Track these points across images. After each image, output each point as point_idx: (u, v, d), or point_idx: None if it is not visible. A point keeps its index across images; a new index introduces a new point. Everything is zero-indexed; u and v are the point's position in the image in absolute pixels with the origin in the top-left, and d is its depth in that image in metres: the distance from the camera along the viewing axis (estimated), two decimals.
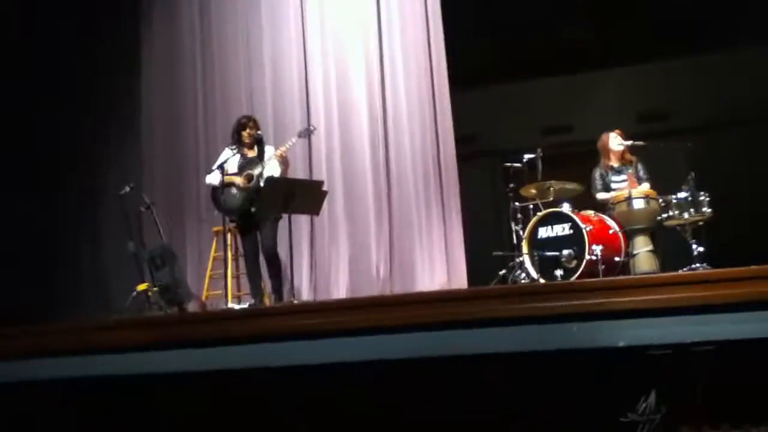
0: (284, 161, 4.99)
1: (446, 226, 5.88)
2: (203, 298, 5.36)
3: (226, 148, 5.05)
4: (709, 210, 4.71)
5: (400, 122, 6.04)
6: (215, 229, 5.40)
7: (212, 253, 5.49)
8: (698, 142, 5.23)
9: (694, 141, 5.14)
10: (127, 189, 5.19)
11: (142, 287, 4.90)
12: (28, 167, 6.62)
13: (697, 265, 4.56)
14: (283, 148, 4.94)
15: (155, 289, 4.87)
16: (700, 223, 4.75)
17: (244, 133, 5.00)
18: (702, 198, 4.73)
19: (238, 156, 4.97)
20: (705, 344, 2.76)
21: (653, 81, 7.98)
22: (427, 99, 6.04)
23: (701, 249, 4.64)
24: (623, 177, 5.36)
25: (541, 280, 4.91)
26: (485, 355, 3.10)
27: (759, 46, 5.92)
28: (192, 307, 5.18)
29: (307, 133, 5.29)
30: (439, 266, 5.79)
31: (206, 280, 5.48)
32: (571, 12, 7.45)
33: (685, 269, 4.55)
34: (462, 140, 6.56)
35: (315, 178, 5.80)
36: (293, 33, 6.22)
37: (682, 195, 4.76)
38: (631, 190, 5.08)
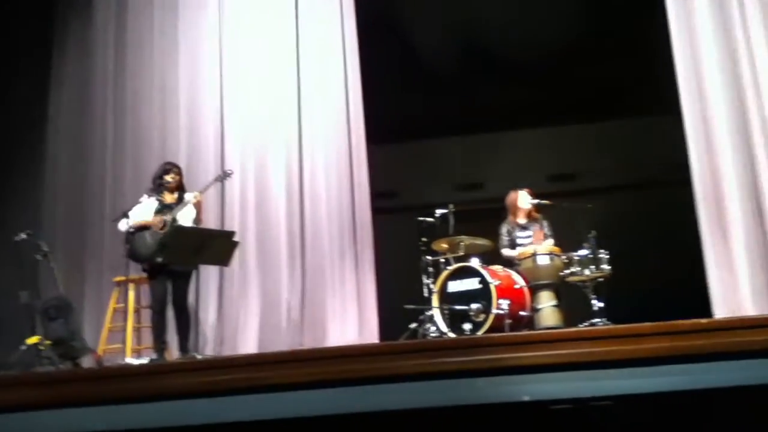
0: (198, 206, 4.88)
1: (359, 280, 5.88)
2: (99, 352, 5.08)
3: (145, 195, 4.91)
4: (609, 267, 4.95)
5: (317, 174, 6.06)
6: (116, 279, 5.17)
7: (112, 305, 5.22)
8: (601, 202, 5.51)
9: (598, 201, 5.40)
10: (23, 236, 4.90)
11: (32, 340, 4.58)
12: None
13: (597, 320, 4.75)
14: (198, 194, 4.84)
15: (47, 342, 4.57)
16: (600, 279, 4.97)
17: (167, 177, 4.89)
18: (602, 256, 4.96)
19: (156, 202, 4.83)
20: (602, 399, 2.84)
21: (563, 143, 8.43)
22: (345, 153, 6.10)
23: (601, 305, 4.84)
24: (529, 233, 5.55)
25: (450, 334, 4.96)
26: (393, 412, 3.07)
27: (660, 115, 6.40)
28: (87, 362, 4.89)
29: (224, 177, 5.21)
30: (351, 320, 5.76)
31: (104, 333, 5.20)
32: (487, 74, 7.81)
33: (585, 324, 4.72)
34: (383, 195, 6.66)
35: (227, 227, 5.69)
36: (210, 80, 6.18)
37: (583, 252, 4.98)
38: (536, 247, 5.26)
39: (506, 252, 5.55)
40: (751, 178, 5.45)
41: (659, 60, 5.89)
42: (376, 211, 6.21)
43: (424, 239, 5.51)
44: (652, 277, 6.84)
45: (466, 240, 5.37)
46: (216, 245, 4.61)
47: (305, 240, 5.97)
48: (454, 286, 5.13)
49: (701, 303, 5.32)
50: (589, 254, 4.96)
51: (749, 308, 5.17)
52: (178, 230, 4.56)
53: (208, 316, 5.67)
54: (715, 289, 5.33)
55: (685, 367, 2.85)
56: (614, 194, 7.75)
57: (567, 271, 5.02)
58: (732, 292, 5.28)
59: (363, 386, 3.12)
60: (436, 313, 5.11)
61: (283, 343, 5.57)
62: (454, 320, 5.01)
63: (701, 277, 5.41)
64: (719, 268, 5.36)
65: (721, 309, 5.22)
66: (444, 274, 5.21)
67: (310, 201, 6.03)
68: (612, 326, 4.38)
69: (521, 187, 5.74)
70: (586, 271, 4.94)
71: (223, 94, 6.18)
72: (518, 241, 5.56)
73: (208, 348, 5.52)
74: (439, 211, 5.55)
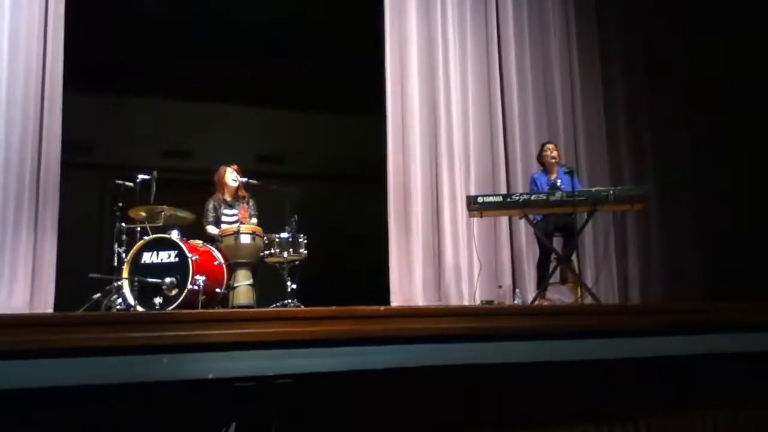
0: None
1: (37, 239, 5.25)
2: None
3: None
4: (305, 251, 5.17)
5: None
6: None
7: None
8: (306, 189, 5.73)
9: (303, 187, 5.61)
10: None
11: None
12: None
13: (288, 301, 4.94)
14: None
15: None
16: (297, 262, 5.18)
17: None
18: (301, 240, 5.17)
19: None
20: (284, 377, 2.95)
21: (274, 126, 8.56)
22: (35, 94, 5.38)
23: (294, 286, 5.05)
24: (235, 211, 5.54)
25: (139, 308, 4.70)
26: (66, 388, 2.80)
27: (367, 114, 6.84)
28: None
29: None
30: (22, 284, 5.11)
31: None
32: (207, 42, 7.54)
33: (276, 305, 4.88)
34: (74, 148, 6.01)
35: None
36: None
37: (284, 235, 5.14)
38: (240, 225, 5.26)
39: (210, 229, 5.47)
40: (433, 182, 6.22)
41: (373, 64, 6.35)
42: (66, 165, 5.59)
43: (120, 204, 5.12)
44: (342, 264, 7.36)
45: (167, 210, 5.13)
46: None
47: None
48: (149, 258, 4.86)
49: (382, 290, 5.89)
50: (289, 237, 5.12)
51: (420, 298, 5.87)
52: None
53: None
54: (395, 279, 5.94)
55: (361, 349, 3.11)
56: (318, 182, 8.14)
57: (267, 252, 5.12)
58: (407, 283, 5.95)
59: (34, 360, 2.79)
60: (124, 284, 4.79)
61: None
62: (145, 293, 4.75)
63: (386, 266, 5.99)
64: (399, 260, 6.00)
65: (398, 297, 5.84)
66: (139, 243, 4.91)
67: None
68: (299, 308, 4.59)
69: (230, 164, 5.69)
70: (285, 254, 5.10)
71: None
72: (223, 218, 5.51)
73: None
74: (141, 176, 5.20)
